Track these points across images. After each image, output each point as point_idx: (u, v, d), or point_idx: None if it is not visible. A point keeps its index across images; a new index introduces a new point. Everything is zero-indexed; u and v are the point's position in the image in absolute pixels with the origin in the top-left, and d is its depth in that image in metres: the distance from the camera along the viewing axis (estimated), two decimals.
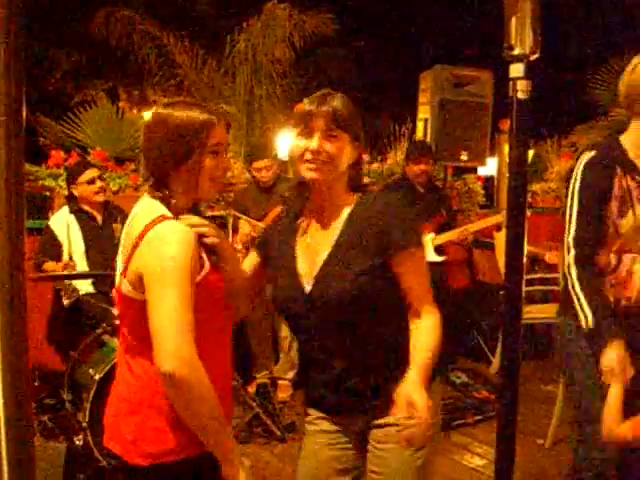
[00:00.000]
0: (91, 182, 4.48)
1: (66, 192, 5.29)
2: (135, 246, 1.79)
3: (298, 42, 8.55)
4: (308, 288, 2.02)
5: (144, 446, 1.80)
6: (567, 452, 4.22)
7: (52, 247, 4.44)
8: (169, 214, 1.83)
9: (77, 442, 3.50)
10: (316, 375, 2.12)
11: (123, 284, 1.83)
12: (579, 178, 2.53)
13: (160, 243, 1.76)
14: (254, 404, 4.41)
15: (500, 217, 5.48)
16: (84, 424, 3.42)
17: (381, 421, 2.06)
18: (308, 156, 1.94)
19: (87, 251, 4.43)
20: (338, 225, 2.03)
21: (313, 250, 2.05)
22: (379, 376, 2.05)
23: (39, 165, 5.66)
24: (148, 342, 1.79)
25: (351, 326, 2.00)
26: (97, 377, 3.47)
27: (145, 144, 1.91)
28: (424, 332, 2.01)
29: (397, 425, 1.86)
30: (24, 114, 0.90)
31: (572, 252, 2.52)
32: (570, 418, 4.51)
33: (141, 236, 1.78)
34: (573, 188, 2.55)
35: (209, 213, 4.90)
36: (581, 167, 2.55)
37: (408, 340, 2.02)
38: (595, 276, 2.52)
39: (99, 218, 4.50)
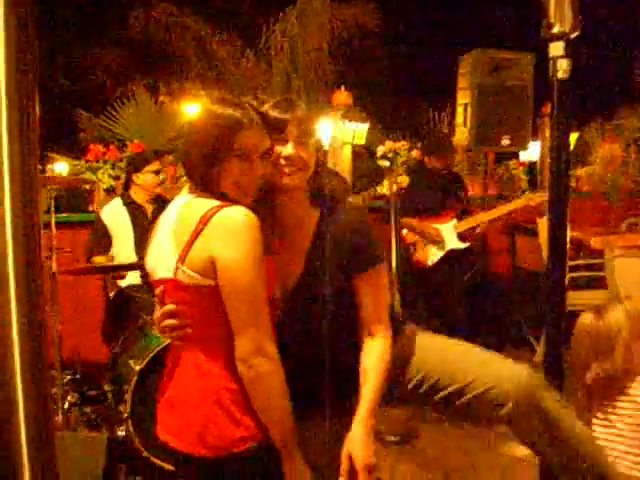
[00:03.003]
0: (157, 173, 4.53)
1: (106, 185, 5.33)
2: (197, 232, 1.76)
3: (338, 32, 8.54)
4: (283, 306, 2.03)
5: (209, 439, 1.81)
6: None
7: (102, 238, 4.47)
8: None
9: (119, 433, 3.52)
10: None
11: (181, 272, 1.79)
12: None
13: (234, 228, 1.75)
14: None
15: (522, 201, 5.40)
16: (125, 415, 3.44)
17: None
18: (283, 162, 1.96)
19: (136, 245, 4.45)
20: (304, 244, 2.07)
21: (281, 269, 2.04)
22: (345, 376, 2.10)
23: (79, 159, 5.73)
24: (214, 331, 1.82)
25: (324, 335, 2.05)
26: (137, 368, 3.48)
27: (185, 140, 1.92)
28: (374, 361, 2.07)
29: None
30: (37, 110, 0.90)
31: None
32: None
33: (204, 221, 1.75)
34: None
35: None
36: None
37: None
38: None
39: (149, 212, 4.52)
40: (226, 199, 1.82)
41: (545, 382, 2.25)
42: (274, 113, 1.97)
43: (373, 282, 2.09)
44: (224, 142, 1.79)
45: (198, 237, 1.76)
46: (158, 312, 1.93)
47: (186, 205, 1.86)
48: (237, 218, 1.75)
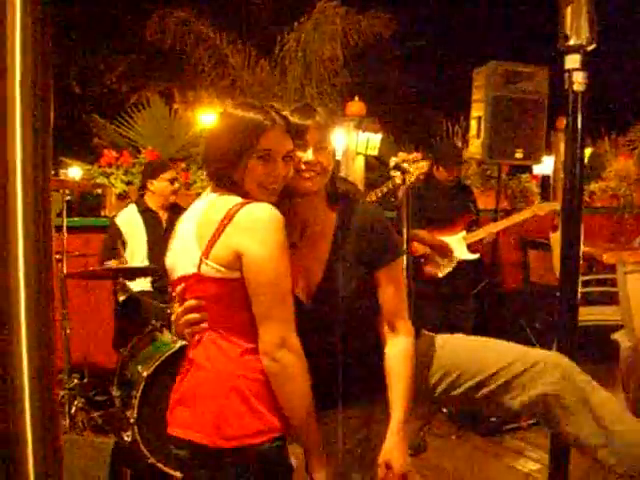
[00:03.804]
0: (172, 181, 4.54)
1: (118, 190, 5.34)
2: (223, 227, 1.79)
3: (354, 41, 8.54)
4: (307, 305, 2.08)
5: (228, 430, 1.81)
6: None
7: (116, 244, 4.42)
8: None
9: (126, 438, 3.51)
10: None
11: (205, 266, 1.81)
12: None
13: (259, 223, 1.78)
14: None
15: (531, 211, 5.37)
16: (132, 420, 3.43)
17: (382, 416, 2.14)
18: (303, 167, 2.01)
19: (149, 252, 4.45)
20: (325, 244, 2.12)
21: (304, 267, 2.09)
22: (369, 363, 2.15)
23: (93, 164, 5.75)
24: (237, 323, 1.84)
25: (345, 336, 2.09)
26: (145, 374, 3.47)
27: (206, 143, 1.96)
28: (399, 362, 2.11)
29: None
30: (52, 114, 0.90)
31: None
32: None
33: (229, 217, 1.79)
34: None
35: None
36: None
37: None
38: None
39: (164, 219, 4.53)
40: (249, 198, 1.85)
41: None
42: (294, 119, 2.02)
43: (394, 275, 2.14)
44: (248, 144, 1.83)
45: (223, 232, 1.79)
46: (178, 309, 1.95)
47: (210, 203, 1.89)
48: (262, 213, 1.79)
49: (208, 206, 1.89)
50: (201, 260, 1.82)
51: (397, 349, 2.12)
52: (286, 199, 2.05)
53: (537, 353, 2.35)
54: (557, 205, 5.29)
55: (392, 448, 2.03)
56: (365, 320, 2.14)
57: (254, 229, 1.78)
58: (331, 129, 2.15)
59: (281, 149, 1.88)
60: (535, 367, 2.24)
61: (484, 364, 2.28)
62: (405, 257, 2.62)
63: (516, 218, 5.43)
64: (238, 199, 1.83)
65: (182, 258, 1.90)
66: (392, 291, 2.13)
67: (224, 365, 1.84)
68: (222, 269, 1.80)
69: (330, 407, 2.20)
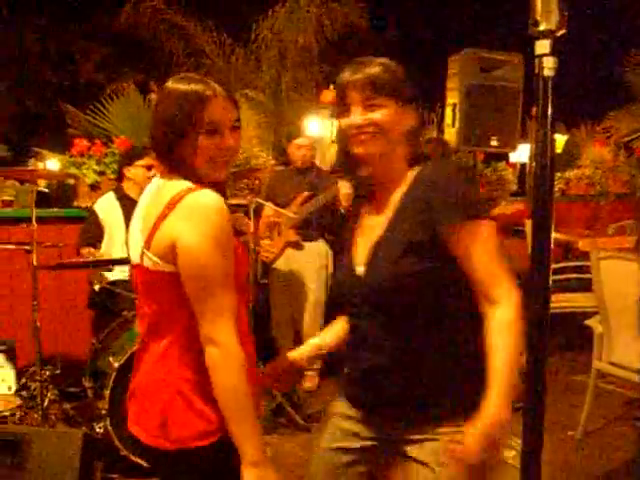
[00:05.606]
0: (149, 167, 4.49)
1: (90, 180, 5.30)
2: (163, 216, 1.71)
3: (328, 30, 8.50)
4: (360, 272, 1.87)
5: (172, 430, 1.75)
6: (598, 444, 4.12)
7: (94, 231, 4.45)
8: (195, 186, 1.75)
9: (98, 430, 3.48)
10: (354, 365, 1.95)
11: (146, 257, 1.75)
12: None
13: (196, 211, 1.69)
14: (277, 393, 4.36)
15: (497, 210, 5.38)
16: (103, 412, 3.41)
17: (419, 436, 1.82)
18: (353, 132, 1.80)
19: (128, 238, 4.40)
20: (392, 205, 1.85)
21: (368, 233, 1.90)
22: (428, 384, 1.82)
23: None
24: (175, 318, 1.77)
25: (400, 317, 1.80)
26: (117, 365, 3.45)
27: (152, 122, 1.82)
28: (495, 333, 1.72)
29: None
30: None
31: None
32: (602, 409, 4.41)
33: (170, 206, 1.71)
34: None
35: (234, 201, 4.87)
36: None
37: (478, 348, 1.73)
38: None
39: None
40: (199, 179, 1.77)
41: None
42: (338, 80, 1.84)
43: (475, 236, 1.74)
44: (193, 119, 1.73)
45: (164, 221, 1.72)
46: None
47: (157, 190, 1.82)
48: (203, 202, 1.70)
49: (156, 192, 1.81)
50: (143, 251, 1.76)
51: (493, 322, 1.72)
52: (364, 165, 1.85)
53: None
54: (521, 204, 5.33)
55: (471, 433, 1.64)
56: (421, 309, 1.79)
57: (191, 216, 1.68)
58: (394, 82, 1.83)
59: (227, 120, 1.79)
60: None
61: None
62: None
63: None
64: (184, 185, 1.74)
65: (133, 246, 1.85)
66: (476, 255, 1.73)
67: (167, 366, 1.78)
68: (159, 262, 1.72)
69: (355, 406, 1.96)
